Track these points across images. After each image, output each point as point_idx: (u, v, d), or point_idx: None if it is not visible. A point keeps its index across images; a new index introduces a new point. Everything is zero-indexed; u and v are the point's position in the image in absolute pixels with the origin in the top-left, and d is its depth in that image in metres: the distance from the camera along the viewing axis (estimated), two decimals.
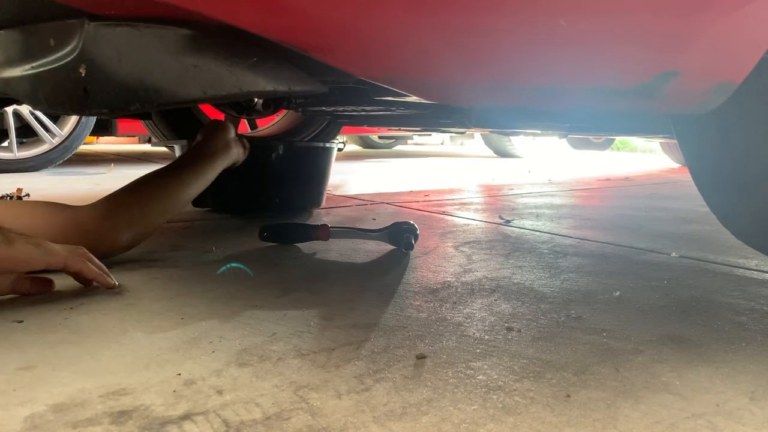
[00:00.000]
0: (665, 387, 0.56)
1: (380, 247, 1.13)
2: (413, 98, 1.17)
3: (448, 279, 0.92)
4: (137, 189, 1.06)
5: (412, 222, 1.13)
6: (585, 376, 0.58)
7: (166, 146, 2.91)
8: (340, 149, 1.63)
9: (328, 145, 1.57)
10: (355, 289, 0.86)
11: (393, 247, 1.13)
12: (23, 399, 0.52)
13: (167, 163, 1.16)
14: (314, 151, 1.55)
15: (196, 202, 1.52)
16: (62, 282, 0.88)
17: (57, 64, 0.58)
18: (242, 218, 1.49)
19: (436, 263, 1.02)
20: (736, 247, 1.15)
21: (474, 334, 0.69)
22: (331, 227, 1.15)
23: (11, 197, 1.63)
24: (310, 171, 1.54)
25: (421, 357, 0.62)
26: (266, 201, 1.48)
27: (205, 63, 0.57)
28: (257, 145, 1.36)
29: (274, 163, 1.43)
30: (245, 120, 2.43)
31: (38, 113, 2.80)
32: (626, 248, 1.17)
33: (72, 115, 2.81)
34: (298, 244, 1.15)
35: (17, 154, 2.80)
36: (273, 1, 0.50)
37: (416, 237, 1.10)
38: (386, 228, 1.12)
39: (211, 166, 1.17)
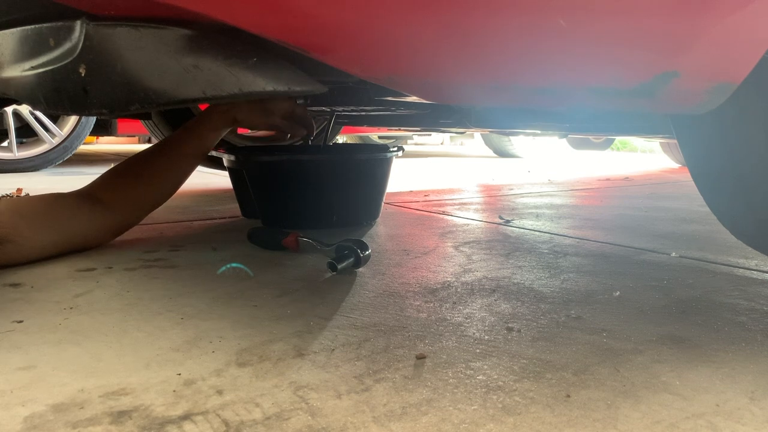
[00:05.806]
0: (665, 387, 0.56)
1: (380, 248, 1.13)
2: (413, 98, 1.17)
3: (448, 279, 0.92)
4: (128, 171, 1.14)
5: (362, 240, 0.98)
6: (585, 376, 0.58)
7: None
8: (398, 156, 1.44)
9: (388, 155, 1.39)
10: (355, 289, 0.86)
11: (390, 249, 1.13)
12: (23, 399, 0.52)
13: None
14: (371, 163, 1.38)
15: (247, 213, 1.49)
16: (61, 281, 0.88)
17: (57, 64, 0.58)
18: (245, 220, 1.49)
19: (436, 263, 1.02)
20: (736, 247, 1.15)
21: (474, 334, 0.69)
22: (300, 238, 1.07)
23: (11, 197, 1.63)
24: (367, 183, 1.39)
25: (421, 357, 0.62)
26: (320, 215, 1.33)
27: (204, 63, 0.57)
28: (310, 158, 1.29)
29: (328, 176, 1.31)
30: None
31: (38, 113, 2.80)
32: (626, 248, 1.17)
33: (72, 115, 2.81)
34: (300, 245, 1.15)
35: (17, 154, 2.80)
36: (273, 1, 0.50)
37: (360, 258, 0.94)
38: (336, 243, 0.99)
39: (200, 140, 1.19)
